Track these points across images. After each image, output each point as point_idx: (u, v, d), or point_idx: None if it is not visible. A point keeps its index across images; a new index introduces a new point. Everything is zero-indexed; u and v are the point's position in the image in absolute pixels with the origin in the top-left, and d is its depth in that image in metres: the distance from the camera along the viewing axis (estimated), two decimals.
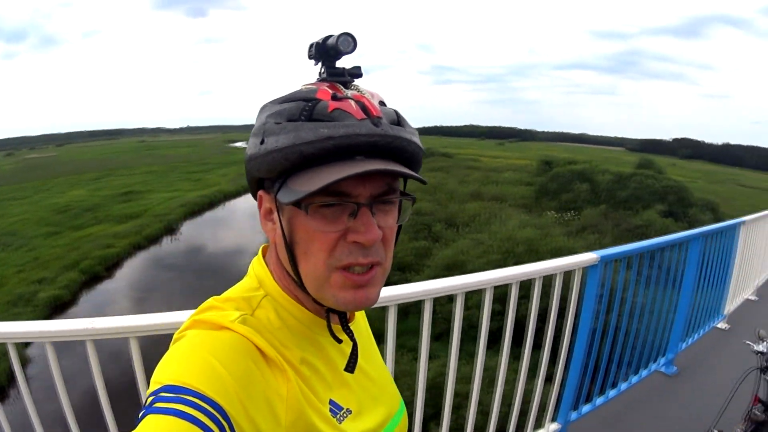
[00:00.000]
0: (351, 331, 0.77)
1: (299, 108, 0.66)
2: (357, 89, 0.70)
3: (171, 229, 29.50)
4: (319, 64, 0.72)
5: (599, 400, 3.33)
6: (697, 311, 4.53)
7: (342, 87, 0.69)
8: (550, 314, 2.71)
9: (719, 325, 5.15)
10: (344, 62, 0.71)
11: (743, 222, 5.29)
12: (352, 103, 0.66)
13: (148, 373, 1.63)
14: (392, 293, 1.90)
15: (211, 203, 36.62)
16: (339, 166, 0.63)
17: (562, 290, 2.74)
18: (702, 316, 4.72)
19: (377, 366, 0.90)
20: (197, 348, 0.64)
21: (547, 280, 2.63)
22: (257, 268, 0.79)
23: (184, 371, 0.60)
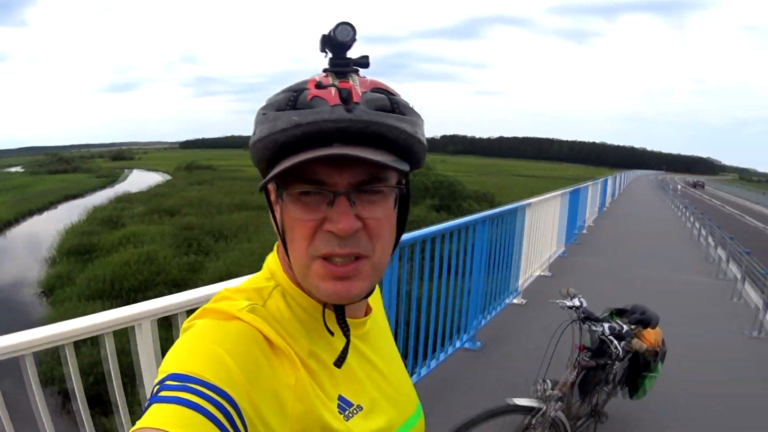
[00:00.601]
0: (346, 325, 0.77)
1: (286, 98, 0.68)
2: (348, 77, 0.70)
3: None
4: (329, 55, 0.72)
5: (412, 379, 3.70)
6: (492, 289, 5.16)
7: (334, 76, 0.70)
8: None
9: (515, 301, 5.96)
10: (355, 52, 0.72)
11: (529, 204, 6.15)
12: (333, 90, 0.67)
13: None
14: (149, 307, 1.83)
15: None
16: (306, 154, 0.64)
17: None
18: (498, 294, 5.38)
19: (394, 366, 0.90)
20: (204, 337, 0.65)
21: None
22: (269, 260, 0.81)
23: (189, 360, 0.61)
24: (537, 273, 7.08)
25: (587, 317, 2.76)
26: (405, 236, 3.38)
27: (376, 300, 0.92)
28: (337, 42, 0.69)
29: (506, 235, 5.39)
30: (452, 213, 31.62)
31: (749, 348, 5.58)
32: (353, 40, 0.69)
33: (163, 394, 0.56)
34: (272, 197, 0.74)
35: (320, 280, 0.69)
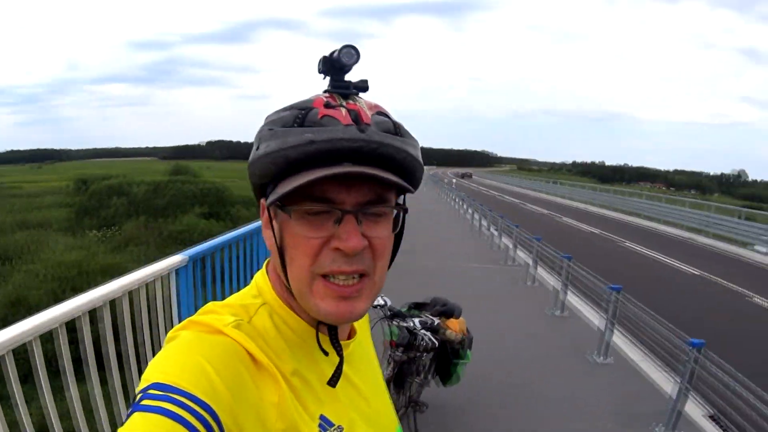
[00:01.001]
0: (339, 345, 0.77)
1: (293, 116, 0.69)
2: (354, 100, 0.72)
3: None
4: (328, 78, 0.74)
5: None
6: None
7: (340, 97, 0.71)
8: (143, 325, 2.72)
9: None
10: (353, 76, 0.74)
11: None
12: (343, 110, 0.68)
13: None
14: None
15: None
16: (321, 171, 0.64)
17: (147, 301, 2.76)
18: None
19: (376, 389, 0.90)
20: (189, 349, 0.65)
21: (135, 294, 2.63)
22: (258, 278, 0.81)
23: (173, 371, 0.61)
24: None
25: (394, 314, 2.87)
26: (194, 250, 3.32)
27: (363, 324, 0.94)
28: (340, 64, 0.72)
29: None
30: (222, 220, 32.79)
31: (553, 326, 6.27)
32: (356, 62, 0.72)
33: (145, 402, 0.57)
34: (271, 213, 0.73)
35: (321, 299, 0.70)
